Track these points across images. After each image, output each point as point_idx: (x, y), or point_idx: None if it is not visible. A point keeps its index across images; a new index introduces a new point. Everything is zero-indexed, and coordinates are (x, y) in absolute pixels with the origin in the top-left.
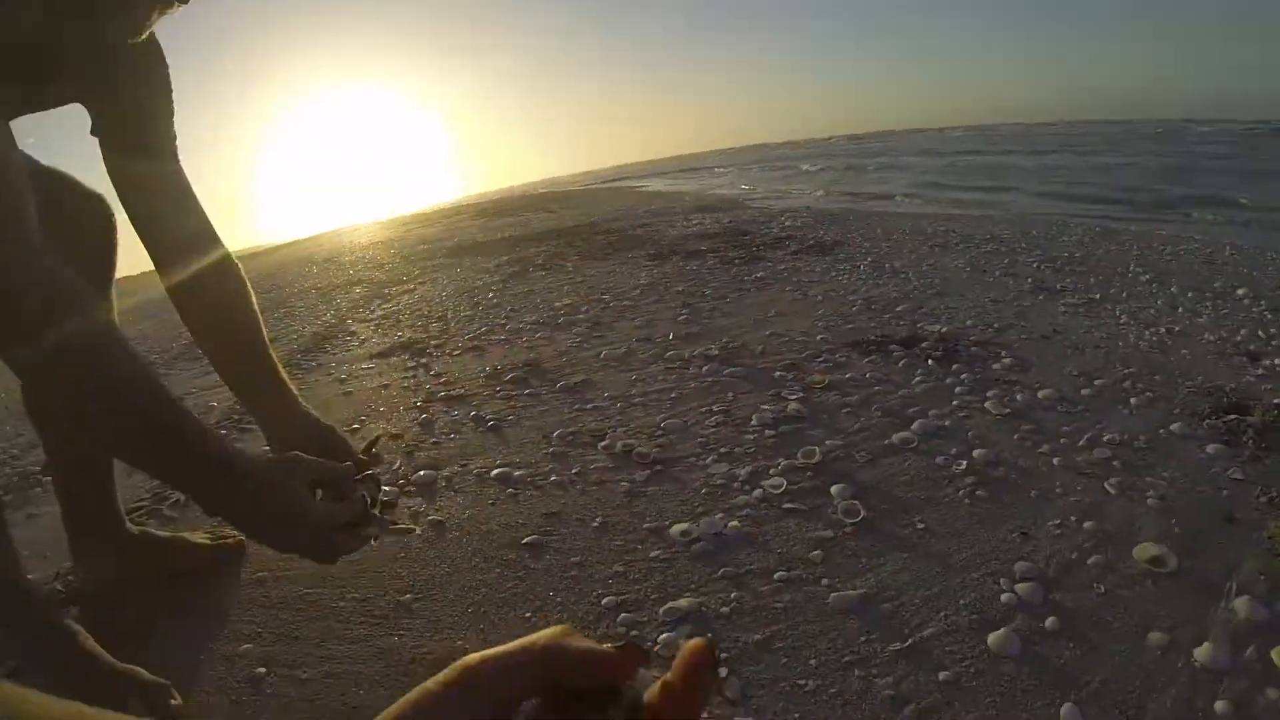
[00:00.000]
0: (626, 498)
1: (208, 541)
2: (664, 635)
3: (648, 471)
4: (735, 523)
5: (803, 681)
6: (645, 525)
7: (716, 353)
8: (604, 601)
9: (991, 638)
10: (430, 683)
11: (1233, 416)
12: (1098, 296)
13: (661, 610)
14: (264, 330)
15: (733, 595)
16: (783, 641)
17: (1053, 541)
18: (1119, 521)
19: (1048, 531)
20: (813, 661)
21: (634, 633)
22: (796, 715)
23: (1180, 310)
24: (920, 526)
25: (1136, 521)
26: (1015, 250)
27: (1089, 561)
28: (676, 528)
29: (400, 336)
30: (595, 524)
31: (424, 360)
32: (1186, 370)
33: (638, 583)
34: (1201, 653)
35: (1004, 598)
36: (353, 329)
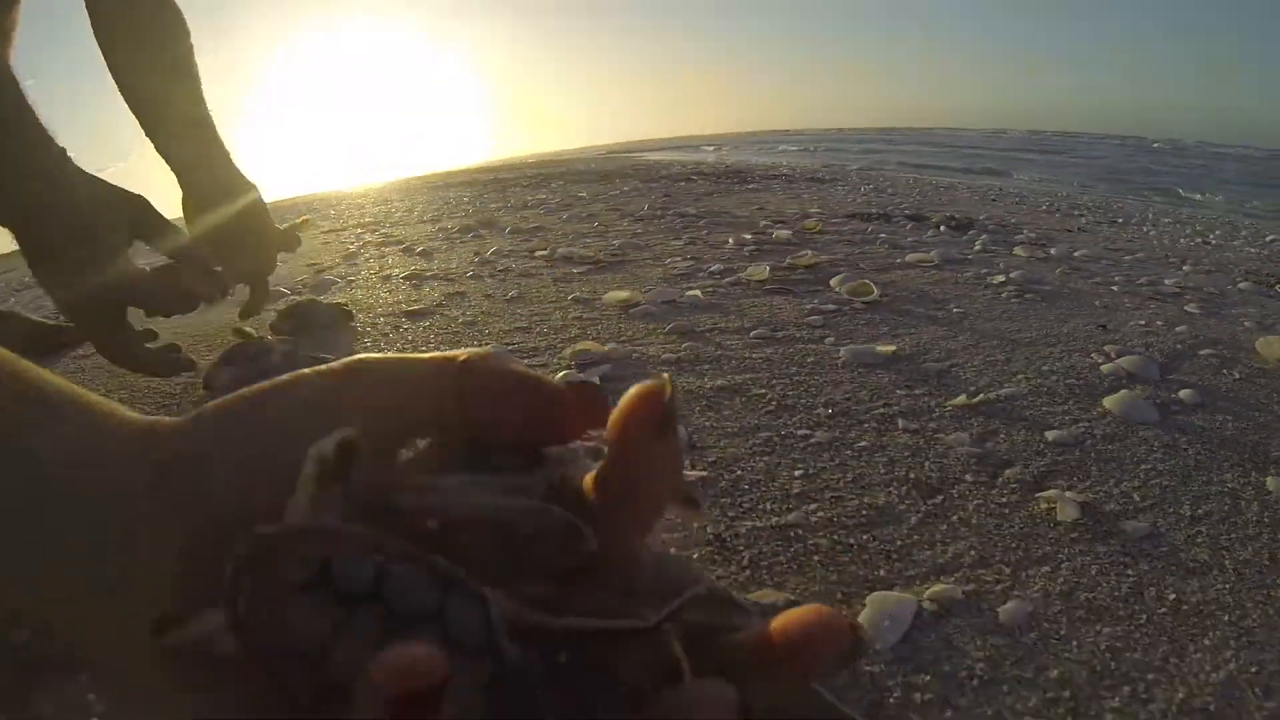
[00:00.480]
0: (555, 281)
1: None
2: (563, 373)
3: (587, 267)
4: (696, 292)
5: (808, 432)
6: (571, 296)
7: (693, 213)
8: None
9: (1108, 400)
10: (309, 371)
11: None
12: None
13: (568, 351)
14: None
15: (684, 345)
16: (764, 388)
17: (1143, 336)
18: (1220, 331)
19: (1134, 329)
20: (822, 411)
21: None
22: (800, 471)
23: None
24: (957, 311)
25: (1241, 334)
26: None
27: (1202, 353)
28: (612, 295)
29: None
30: (507, 297)
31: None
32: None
33: (545, 336)
34: None
35: (1105, 368)
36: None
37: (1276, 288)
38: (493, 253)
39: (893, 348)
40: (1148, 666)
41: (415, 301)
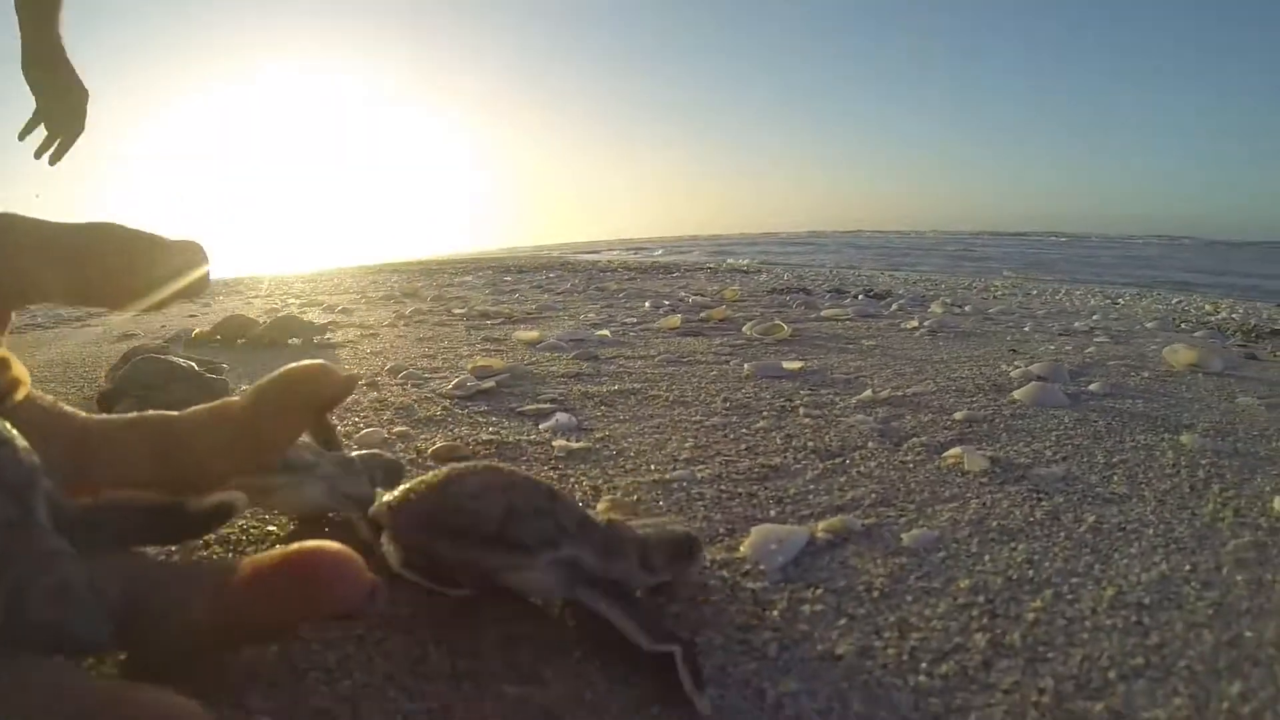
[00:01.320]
0: (468, 329)
1: None
2: (456, 380)
3: (501, 320)
4: (605, 332)
5: (701, 419)
6: (481, 336)
7: (614, 288)
8: None
9: (1017, 393)
10: None
11: None
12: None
13: (469, 366)
14: None
15: (585, 364)
16: (662, 392)
17: (1053, 354)
18: (1128, 350)
19: (1045, 351)
20: (719, 405)
21: None
22: (690, 443)
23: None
24: (869, 344)
25: (1149, 352)
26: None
27: (1110, 363)
28: (521, 335)
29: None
30: (419, 338)
31: (310, 298)
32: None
33: (448, 360)
34: None
35: (1015, 373)
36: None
37: (1182, 325)
38: (412, 311)
39: (799, 364)
40: (1070, 573)
41: (329, 335)
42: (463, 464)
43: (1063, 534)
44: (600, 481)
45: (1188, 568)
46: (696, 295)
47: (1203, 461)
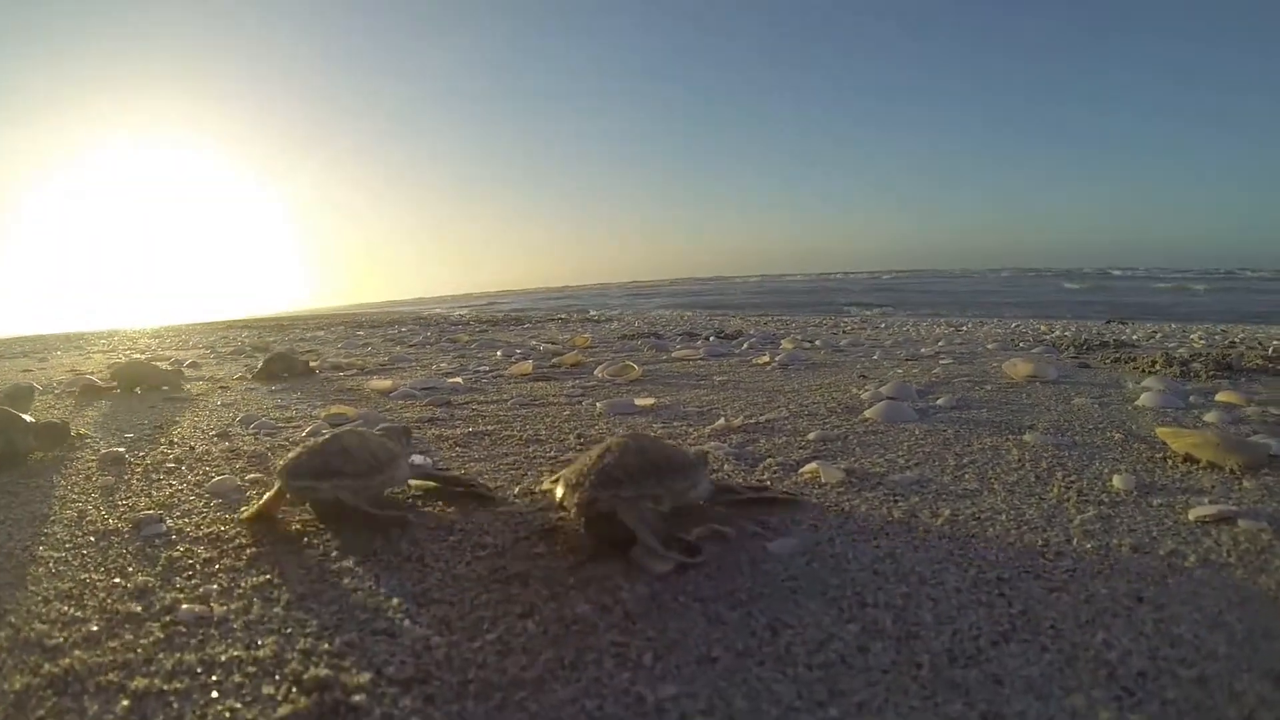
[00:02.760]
0: (322, 381)
1: None
2: (309, 429)
3: (354, 371)
4: (458, 379)
5: (557, 454)
6: (335, 387)
7: (466, 339)
8: None
9: (868, 411)
10: None
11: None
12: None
13: (322, 414)
14: None
15: (438, 410)
16: (515, 432)
17: (901, 377)
18: (971, 369)
19: (893, 374)
20: (572, 440)
21: None
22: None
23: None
24: (720, 379)
25: (990, 368)
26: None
27: (955, 380)
28: (375, 384)
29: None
30: (271, 389)
31: (155, 352)
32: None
33: (301, 409)
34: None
35: (864, 395)
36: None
37: (1020, 344)
38: (262, 364)
39: (651, 400)
40: (932, 561)
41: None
42: (625, 438)
43: (921, 528)
44: (457, 516)
45: (1040, 543)
46: (548, 344)
47: (1045, 455)
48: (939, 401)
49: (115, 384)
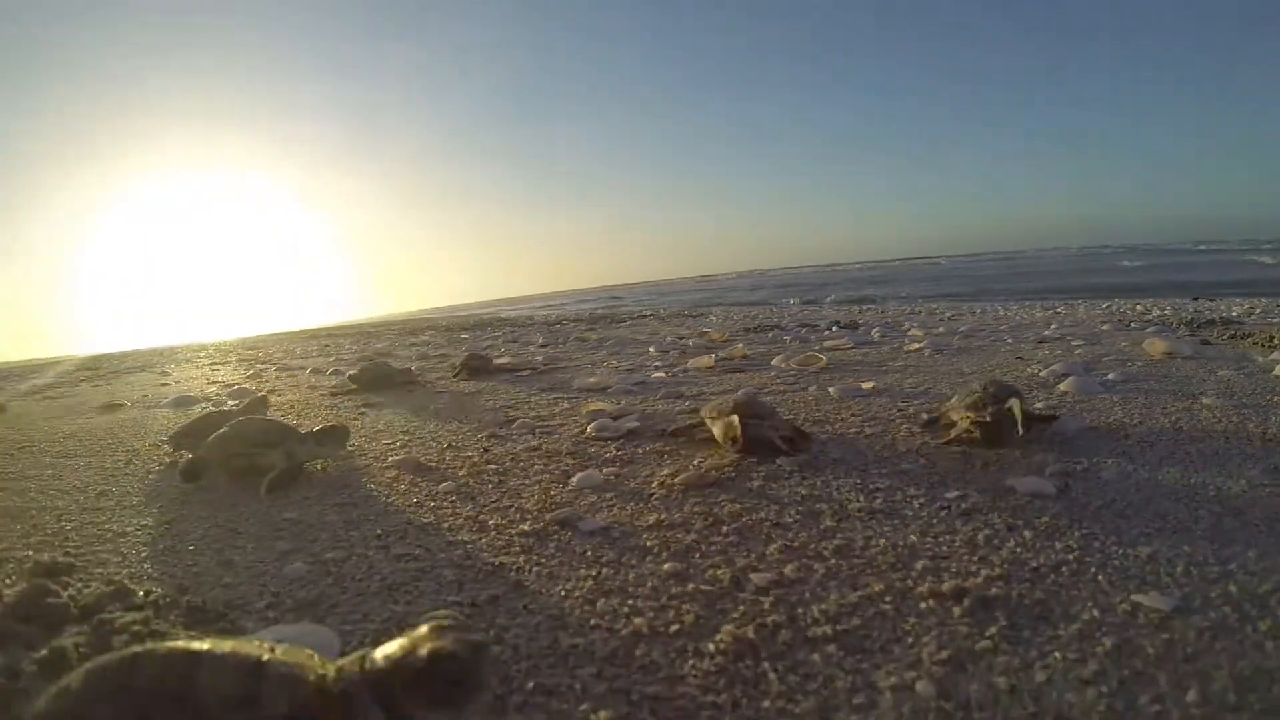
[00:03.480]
0: (509, 386)
1: None
2: (591, 424)
3: (529, 372)
4: (662, 374)
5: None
6: (537, 390)
7: (594, 339)
8: None
9: (1062, 385)
10: None
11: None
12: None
13: (584, 410)
14: None
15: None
16: (782, 405)
17: (1056, 358)
18: (1108, 348)
19: (1045, 356)
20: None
21: None
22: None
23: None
24: (899, 365)
25: (1125, 348)
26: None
27: (1105, 360)
28: (580, 381)
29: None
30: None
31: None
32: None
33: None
34: None
35: (1043, 374)
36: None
37: (1132, 325)
38: (461, 364)
39: (872, 384)
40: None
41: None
42: (743, 395)
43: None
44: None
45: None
46: (681, 339)
47: (1229, 414)
48: (1109, 376)
49: (355, 386)
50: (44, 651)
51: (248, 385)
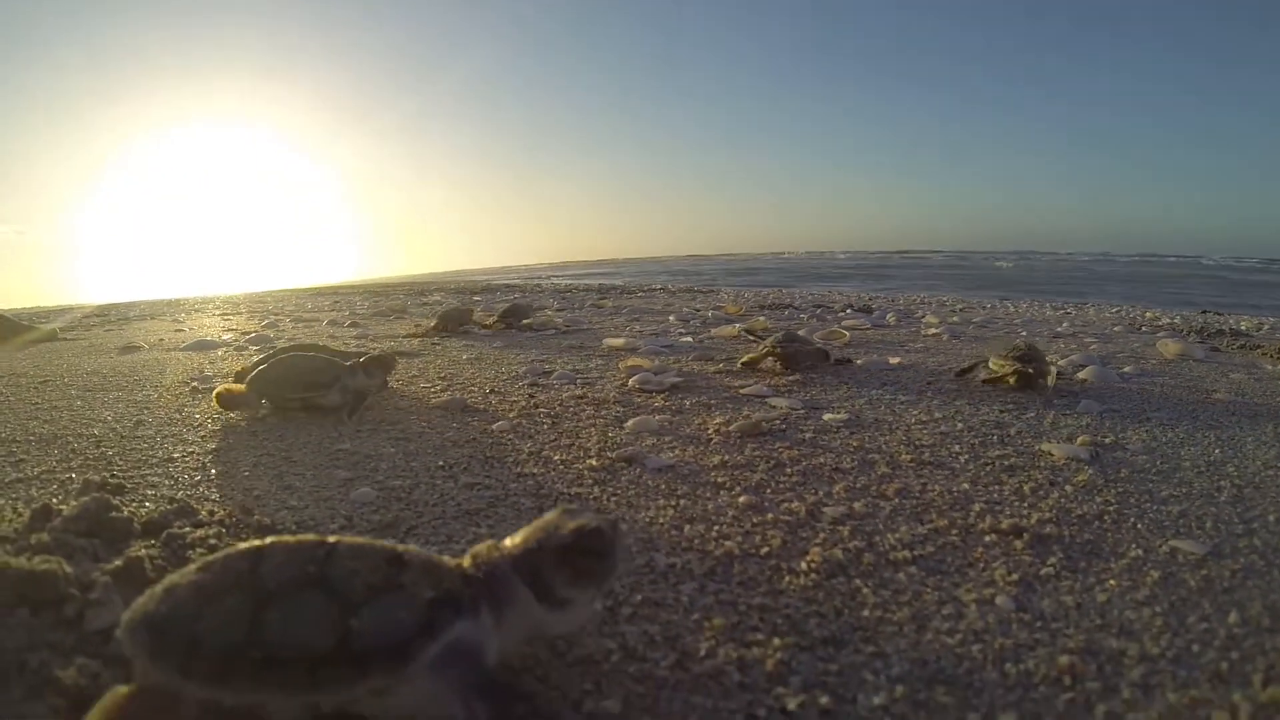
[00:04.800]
0: (537, 344)
1: None
2: (634, 378)
3: (554, 331)
4: (689, 339)
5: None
6: (567, 344)
7: (610, 307)
8: None
9: (1081, 373)
10: None
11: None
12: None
13: (622, 366)
14: None
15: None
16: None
17: (1074, 350)
18: (1121, 347)
19: (1062, 349)
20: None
21: None
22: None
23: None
24: (919, 346)
25: (1137, 348)
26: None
27: (1119, 355)
28: (608, 341)
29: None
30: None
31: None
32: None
33: (587, 368)
34: None
35: (1062, 362)
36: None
37: (1143, 329)
38: (499, 315)
39: (898, 360)
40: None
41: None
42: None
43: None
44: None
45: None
46: (697, 311)
47: (1241, 408)
48: (1126, 370)
49: (437, 325)
50: (118, 562)
51: (267, 333)
